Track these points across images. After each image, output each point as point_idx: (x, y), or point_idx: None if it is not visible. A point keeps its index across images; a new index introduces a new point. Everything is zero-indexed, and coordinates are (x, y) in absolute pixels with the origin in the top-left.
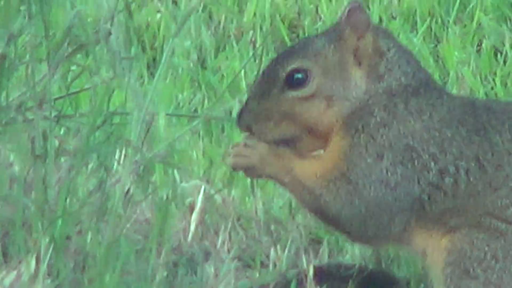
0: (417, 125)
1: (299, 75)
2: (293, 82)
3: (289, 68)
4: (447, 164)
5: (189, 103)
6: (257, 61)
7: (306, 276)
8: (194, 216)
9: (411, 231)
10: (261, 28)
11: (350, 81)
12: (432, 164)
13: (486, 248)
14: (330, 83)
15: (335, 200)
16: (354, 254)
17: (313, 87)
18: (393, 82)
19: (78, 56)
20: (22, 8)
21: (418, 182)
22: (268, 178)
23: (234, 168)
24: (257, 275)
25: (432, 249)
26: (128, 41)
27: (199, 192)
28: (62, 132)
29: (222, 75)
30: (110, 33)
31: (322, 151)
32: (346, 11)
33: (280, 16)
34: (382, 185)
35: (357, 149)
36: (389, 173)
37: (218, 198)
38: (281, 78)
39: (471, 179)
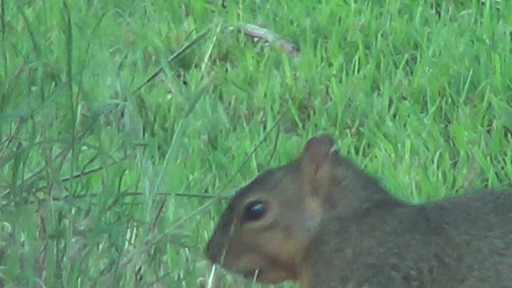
0: (371, 242)
1: (257, 207)
2: (252, 213)
3: (248, 200)
4: (409, 270)
5: (200, 183)
6: (267, 141)
7: None
8: None
9: None
10: (271, 109)
11: (306, 211)
12: (395, 273)
13: None
14: (288, 214)
15: None
16: None
17: (271, 218)
18: (345, 208)
19: (90, 136)
20: (33, 88)
21: None
22: None
23: None
24: None
25: None
26: (139, 122)
27: (210, 271)
28: (73, 212)
29: (233, 155)
30: (122, 115)
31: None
32: (307, 142)
33: (290, 96)
34: None
35: (320, 279)
36: None
37: (229, 277)
38: (241, 210)
39: (435, 275)
